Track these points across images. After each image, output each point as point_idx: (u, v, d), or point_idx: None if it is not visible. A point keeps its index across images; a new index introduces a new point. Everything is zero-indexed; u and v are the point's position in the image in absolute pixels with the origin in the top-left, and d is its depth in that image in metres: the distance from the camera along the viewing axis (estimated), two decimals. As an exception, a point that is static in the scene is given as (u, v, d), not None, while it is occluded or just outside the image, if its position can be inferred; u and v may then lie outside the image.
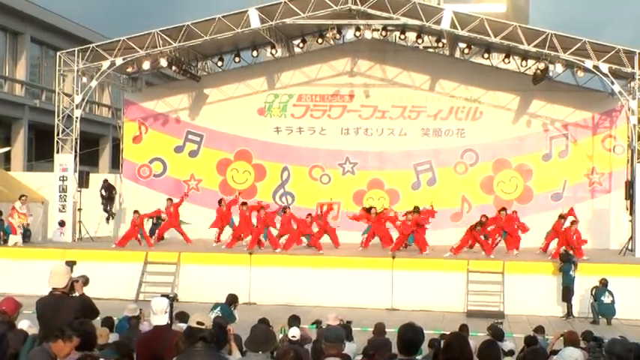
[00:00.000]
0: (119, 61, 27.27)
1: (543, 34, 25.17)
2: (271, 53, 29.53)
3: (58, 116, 27.67)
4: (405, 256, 23.99)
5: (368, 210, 26.69)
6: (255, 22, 26.23)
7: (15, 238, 25.33)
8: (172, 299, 8.81)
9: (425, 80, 29.87)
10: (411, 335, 6.77)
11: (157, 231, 27.14)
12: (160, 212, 27.06)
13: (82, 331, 7.42)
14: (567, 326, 17.90)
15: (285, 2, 25.97)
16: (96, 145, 42.12)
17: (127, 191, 30.23)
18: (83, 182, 27.67)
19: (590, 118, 29.01)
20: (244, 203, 26.38)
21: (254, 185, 30.14)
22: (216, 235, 26.64)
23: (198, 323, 7.20)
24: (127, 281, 23.02)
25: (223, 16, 26.31)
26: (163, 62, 27.68)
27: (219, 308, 15.24)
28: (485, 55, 28.76)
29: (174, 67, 28.75)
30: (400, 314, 20.55)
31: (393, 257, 23.27)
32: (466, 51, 28.68)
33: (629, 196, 25.49)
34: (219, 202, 26.95)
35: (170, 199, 27.33)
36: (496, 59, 29.49)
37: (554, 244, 25.05)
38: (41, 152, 37.53)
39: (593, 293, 21.24)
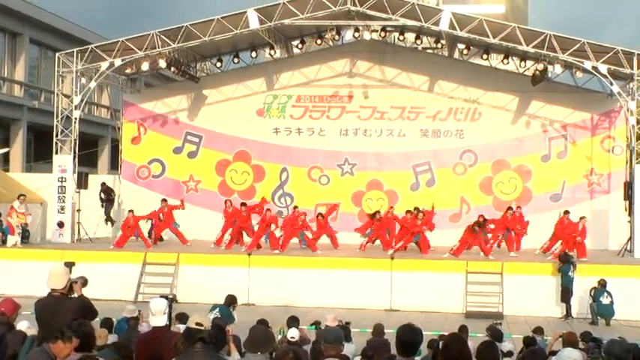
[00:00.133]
0: (118, 62, 27.27)
1: (542, 35, 25.19)
2: (270, 54, 29.54)
3: (57, 117, 27.65)
4: (404, 257, 24.00)
5: (372, 215, 26.66)
6: (254, 23, 26.23)
7: (13, 239, 25.32)
8: (171, 300, 8.81)
9: (424, 81, 29.87)
10: (409, 336, 6.77)
11: (153, 232, 27.12)
12: (156, 215, 26.95)
13: (82, 332, 7.42)
14: (566, 327, 17.90)
15: (284, 3, 25.98)
16: (95, 146, 42.14)
17: (125, 192, 30.21)
18: (82, 183, 27.66)
19: (589, 119, 29.02)
20: (243, 204, 26.40)
21: (253, 186, 30.14)
22: (217, 237, 26.56)
23: (197, 324, 7.20)
24: (125, 282, 23.02)
25: (222, 17, 26.32)
26: (162, 63, 27.67)
27: (218, 309, 15.23)
28: (484, 56, 28.77)
29: (173, 68, 28.75)
30: (399, 315, 20.55)
31: (392, 258, 23.29)
32: (465, 52, 28.68)
33: (628, 196, 25.50)
34: (226, 203, 26.91)
35: (165, 200, 27.29)
36: (495, 60, 29.51)
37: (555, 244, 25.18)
38: (40, 153, 37.54)
39: (592, 294, 21.25)
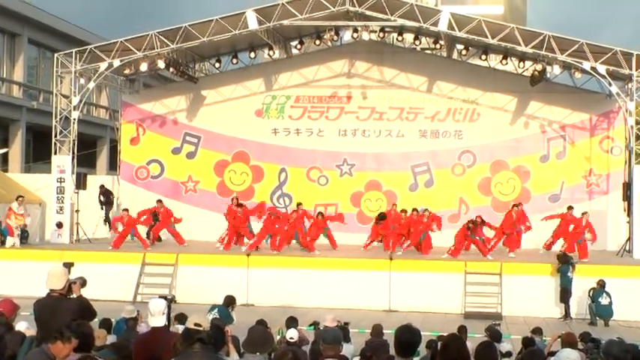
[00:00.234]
0: (117, 62, 27.26)
1: (541, 36, 25.19)
2: (269, 55, 29.53)
3: (56, 118, 27.64)
4: (403, 257, 24.01)
5: (382, 218, 26.56)
6: (252, 24, 26.21)
7: (12, 240, 25.32)
8: (170, 301, 8.81)
9: (422, 82, 29.88)
10: (408, 337, 6.77)
11: (151, 233, 27.11)
12: (147, 212, 26.85)
13: (81, 333, 7.42)
14: (565, 327, 17.94)
15: (282, 4, 25.98)
16: (93, 147, 42.12)
17: (124, 193, 30.20)
18: (81, 184, 27.62)
19: (587, 120, 29.02)
20: (239, 205, 26.27)
21: (251, 187, 30.13)
22: (221, 238, 26.48)
23: (195, 325, 7.21)
24: (124, 283, 23.02)
25: (221, 18, 26.31)
26: (161, 64, 27.65)
27: (216, 310, 15.25)
28: (483, 57, 28.77)
29: (171, 69, 28.73)
30: (398, 316, 20.55)
31: (391, 259, 23.30)
32: (464, 52, 28.67)
33: (627, 197, 25.52)
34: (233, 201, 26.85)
35: (160, 201, 27.23)
36: (494, 61, 29.52)
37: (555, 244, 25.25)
38: (39, 154, 37.53)
39: (591, 294, 21.26)
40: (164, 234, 27.60)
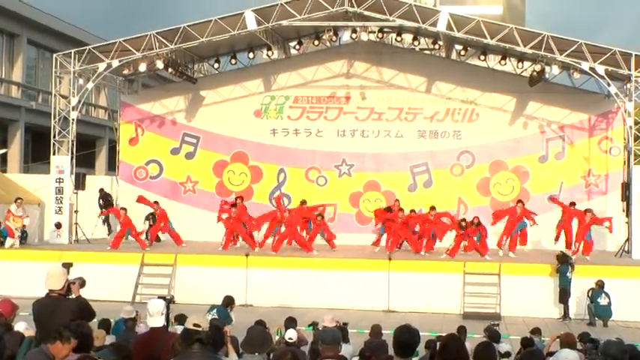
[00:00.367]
0: (115, 63, 27.27)
1: (539, 36, 25.20)
2: (267, 55, 29.49)
3: (55, 118, 27.63)
4: (402, 257, 24.01)
5: (388, 210, 26.53)
6: (251, 24, 26.20)
7: (12, 241, 25.31)
8: (169, 301, 8.82)
9: (421, 82, 29.89)
10: (407, 337, 6.78)
11: (149, 233, 27.08)
12: (154, 205, 26.87)
13: (80, 333, 7.42)
14: (564, 328, 17.95)
15: (281, 4, 25.98)
16: (92, 147, 42.09)
17: (123, 193, 30.18)
18: (79, 184, 27.61)
19: (586, 120, 29.04)
20: (234, 205, 26.19)
21: (250, 187, 30.13)
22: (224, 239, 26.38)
23: (194, 325, 7.22)
24: (123, 283, 23.02)
25: (219, 18, 26.31)
26: (159, 64, 27.66)
27: (215, 310, 15.27)
28: (482, 57, 28.75)
29: (170, 69, 28.74)
30: (397, 316, 20.56)
31: (390, 259, 23.30)
32: (462, 53, 28.67)
33: (626, 197, 25.52)
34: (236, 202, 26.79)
35: (156, 202, 27.17)
36: (492, 61, 29.51)
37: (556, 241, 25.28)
38: (37, 154, 37.51)
39: (590, 295, 21.26)
40: (163, 234, 27.59)
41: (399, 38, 29.01)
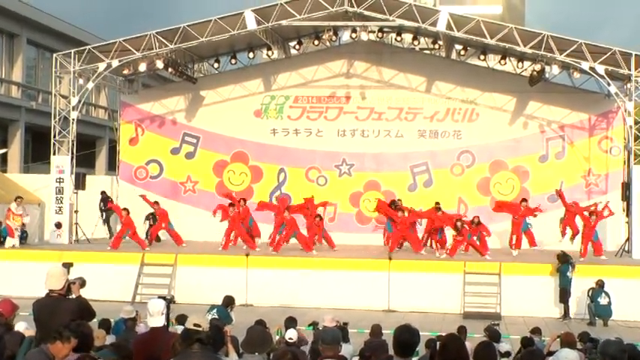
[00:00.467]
0: (115, 62, 27.27)
1: (539, 36, 25.20)
2: (267, 55, 29.49)
3: (55, 118, 27.64)
4: (402, 257, 24.01)
5: (392, 204, 26.48)
6: (251, 24, 26.20)
7: (12, 241, 25.32)
8: (169, 301, 8.81)
9: (421, 82, 29.89)
10: (407, 337, 6.78)
11: (149, 233, 27.09)
12: (153, 205, 26.86)
13: (80, 333, 7.43)
14: (564, 327, 17.92)
15: (281, 4, 25.98)
16: (92, 147, 42.10)
17: (123, 193, 30.18)
18: (80, 184, 27.61)
19: (586, 120, 29.04)
20: (231, 204, 26.17)
21: (250, 187, 30.13)
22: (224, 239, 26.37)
23: (195, 325, 7.22)
24: (123, 283, 23.01)
25: (219, 18, 26.31)
26: (159, 64, 27.66)
27: (215, 310, 15.27)
28: (482, 57, 28.75)
29: (170, 69, 28.74)
30: (397, 316, 20.55)
31: (390, 259, 23.29)
32: (462, 52, 28.68)
33: (626, 197, 25.53)
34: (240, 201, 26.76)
35: (157, 203, 27.17)
36: (492, 61, 29.51)
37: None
38: (38, 154, 37.52)
39: (590, 294, 21.25)
40: (163, 234, 27.59)
41: (398, 38, 29.02)
